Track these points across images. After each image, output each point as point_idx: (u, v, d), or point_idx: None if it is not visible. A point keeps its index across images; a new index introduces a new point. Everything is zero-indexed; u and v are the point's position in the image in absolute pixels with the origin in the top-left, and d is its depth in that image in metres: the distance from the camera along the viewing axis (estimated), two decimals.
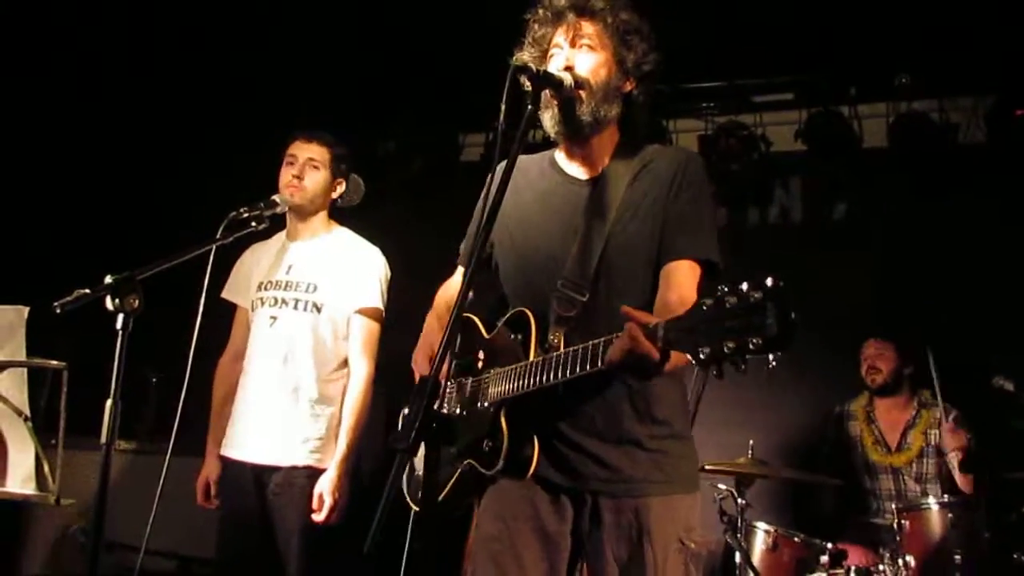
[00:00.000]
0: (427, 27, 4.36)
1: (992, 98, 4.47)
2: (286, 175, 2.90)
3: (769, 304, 1.36)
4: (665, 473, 1.90)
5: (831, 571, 3.36)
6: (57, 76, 4.41)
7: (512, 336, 1.90)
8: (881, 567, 3.24)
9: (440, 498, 1.94)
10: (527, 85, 1.83)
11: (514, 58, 1.99)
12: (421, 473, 1.96)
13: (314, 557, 2.66)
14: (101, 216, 4.72)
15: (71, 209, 4.68)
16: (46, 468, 2.21)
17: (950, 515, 3.22)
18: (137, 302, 2.01)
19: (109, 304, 2.03)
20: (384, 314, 2.94)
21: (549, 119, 1.93)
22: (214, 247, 2.51)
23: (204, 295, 2.56)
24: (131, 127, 4.77)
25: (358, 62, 4.68)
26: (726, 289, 1.42)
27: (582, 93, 1.90)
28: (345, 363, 2.88)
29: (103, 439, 2.02)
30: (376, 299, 2.90)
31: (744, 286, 1.40)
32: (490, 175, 1.74)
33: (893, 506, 3.40)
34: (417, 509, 2.07)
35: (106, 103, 4.63)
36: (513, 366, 1.83)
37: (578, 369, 1.67)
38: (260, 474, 2.75)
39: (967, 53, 4.31)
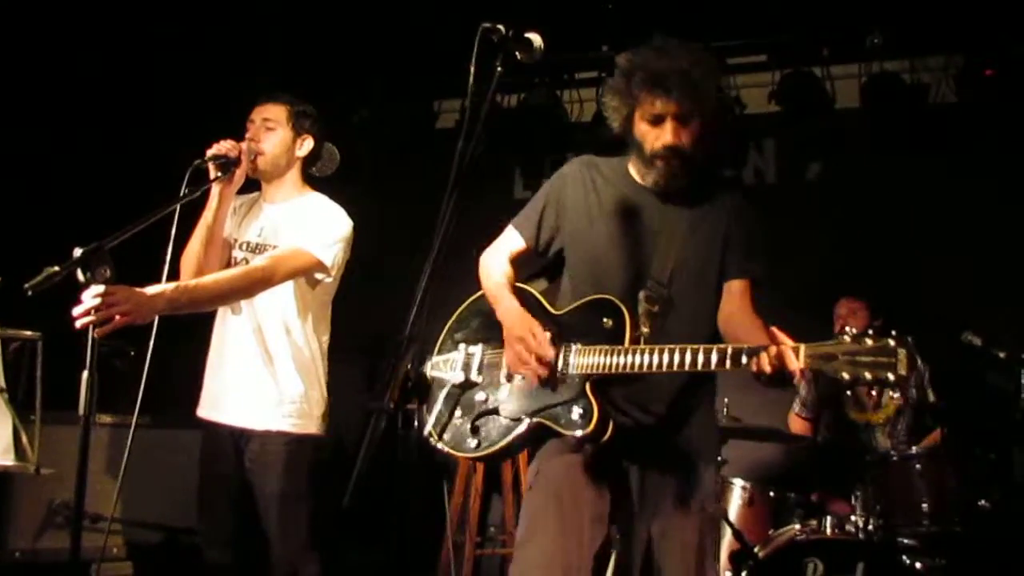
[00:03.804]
0: None
1: (962, 58, 4.50)
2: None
3: (901, 350, 1.72)
4: (697, 445, 2.22)
5: (805, 523, 3.45)
6: (29, 49, 4.33)
7: (601, 319, 2.11)
8: (853, 517, 3.33)
9: (496, 449, 2.16)
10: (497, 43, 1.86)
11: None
12: (437, 411, 2.25)
13: (294, 520, 2.68)
14: (74, 185, 4.66)
15: (44, 178, 4.62)
16: (24, 439, 2.22)
17: (918, 466, 3.31)
18: (108, 272, 2.01)
19: (80, 276, 2.02)
20: (329, 272, 2.76)
21: (657, 174, 2.19)
22: (178, 206, 2.42)
23: (170, 250, 2.49)
24: (103, 96, 4.69)
25: (331, 28, 4.62)
26: (855, 332, 1.76)
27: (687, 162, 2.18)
28: (318, 319, 2.83)
29: (81, 411, 2.03)
30: (320, 249, 2.71)
31: (871, 331, 1.75)
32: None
33: (865, 459, 3.49)
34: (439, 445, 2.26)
35: (74, 72, 4.56)
36: (608, 346, 2.05)
37: (699, 366, 1.92)
38: (237, 439, 2.74)
39: (938, 13, 4.32)
